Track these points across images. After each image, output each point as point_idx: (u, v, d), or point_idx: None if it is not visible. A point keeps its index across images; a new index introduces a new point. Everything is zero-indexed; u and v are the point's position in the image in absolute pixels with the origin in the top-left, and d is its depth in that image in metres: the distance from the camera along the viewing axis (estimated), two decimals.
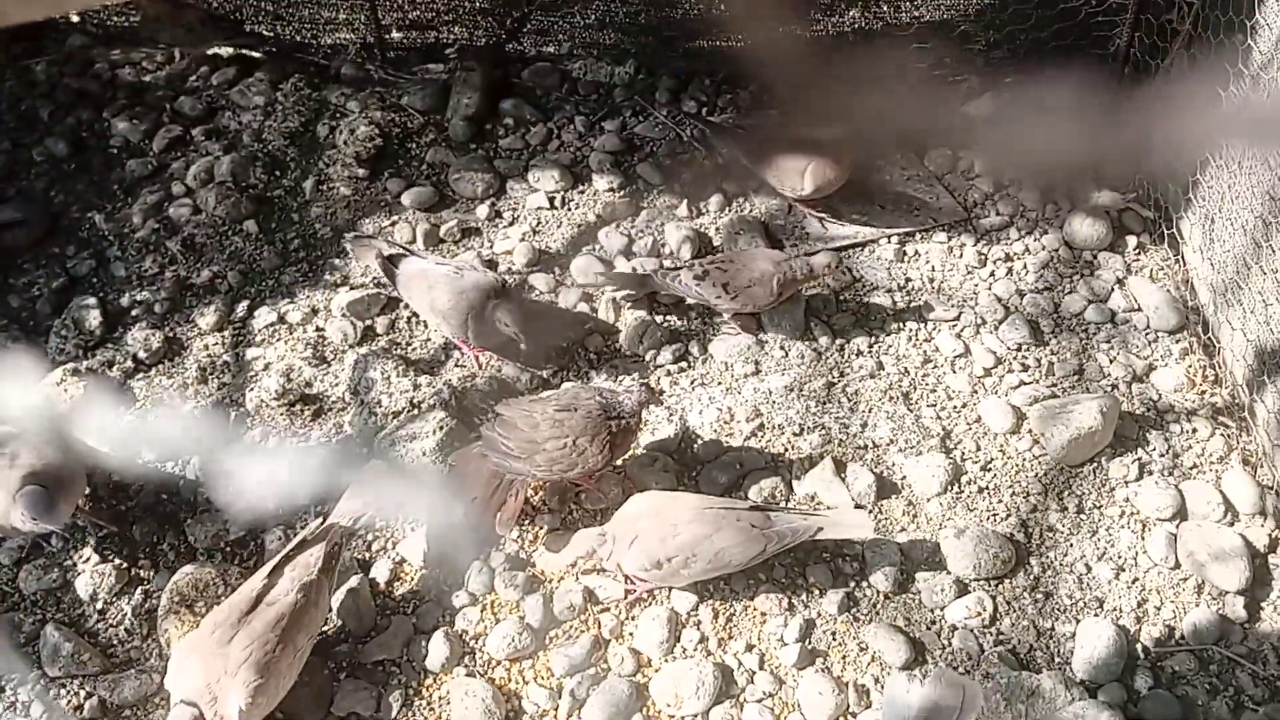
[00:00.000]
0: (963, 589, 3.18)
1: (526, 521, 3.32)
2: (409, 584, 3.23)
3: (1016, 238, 4.12)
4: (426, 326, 3.84)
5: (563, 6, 4.66)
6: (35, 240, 4.14)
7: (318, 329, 3.85)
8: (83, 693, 3.02)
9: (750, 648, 3.08)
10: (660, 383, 3.69)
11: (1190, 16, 3.73)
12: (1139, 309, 3.88)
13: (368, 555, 3.30)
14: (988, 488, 3.41)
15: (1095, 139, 3.94)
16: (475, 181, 4.27)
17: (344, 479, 3.30)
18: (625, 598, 3.16)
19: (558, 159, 4.37)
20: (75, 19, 4.87)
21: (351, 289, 3.95)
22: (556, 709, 2.99)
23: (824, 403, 3.60)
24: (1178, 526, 3.30)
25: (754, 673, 3.04)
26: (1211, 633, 3.10)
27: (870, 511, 3.31)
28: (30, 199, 4.26)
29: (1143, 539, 3.30)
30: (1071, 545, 3.29)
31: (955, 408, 3.61)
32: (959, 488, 3.40)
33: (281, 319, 3.88)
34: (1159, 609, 3.18)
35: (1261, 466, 3.42)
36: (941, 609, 3.15)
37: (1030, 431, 3.51)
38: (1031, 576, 3.22)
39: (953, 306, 3.88)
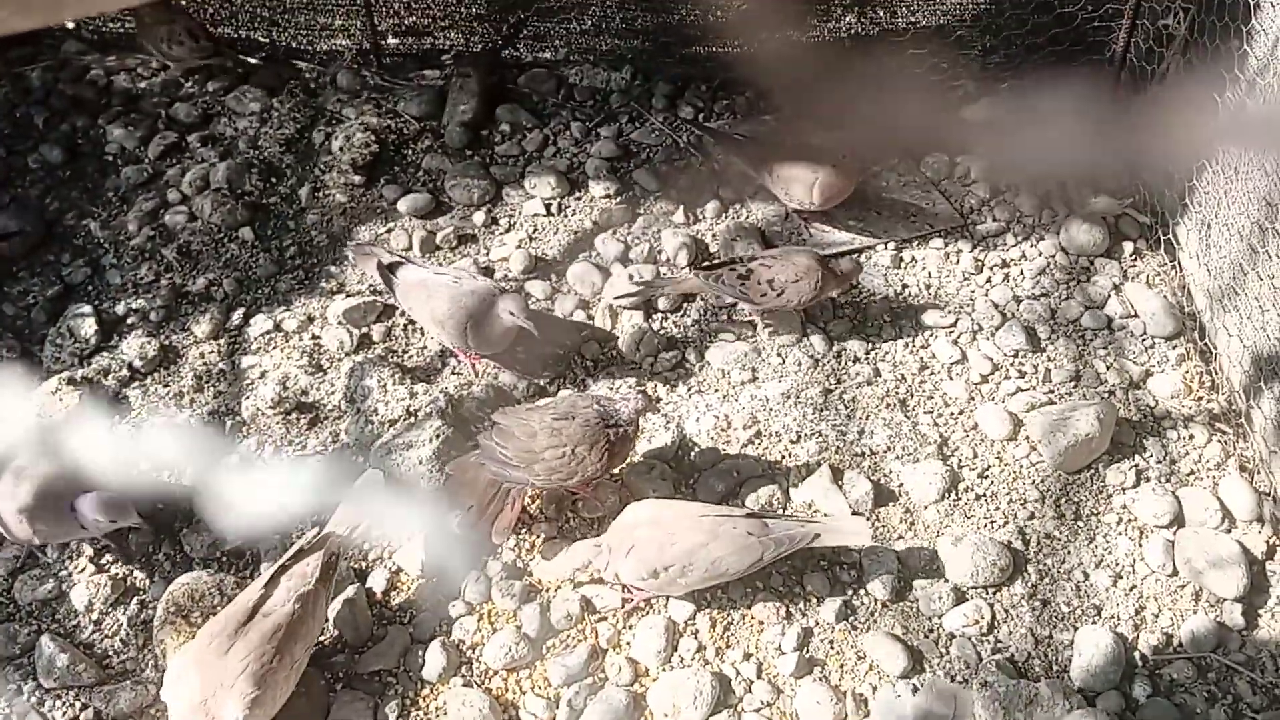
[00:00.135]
0: (960, 597, 3.18)
1: (523, 530, 3.31)
2: (406, 593, 3.22)
3: (1013, 244, 4.12)
4: (423, 334, 3.83)
5: (559, 12, 4.66)
6: (30, 248, 4.13)
7: (314, 337, 3.84)
8: (78, 704, 3.01)
9: (748, 656, 3.08)
10: (657, 390, 3.68)
11: (1186, 22, 3.73)
12: (1136, 315, 3.88)
13: (364, 565, 3.29)
14: (985, 495, 3.41)
15: (1092, 145, 3.94)
16: (471, 188, 4.26)
17: (340, 488, 3.30)
18: (622, 607, 3.15)
19: (554, 165, 4.37)
20: (71, 26, 4.87)
21: (348, 296, 3.94)
22: (554, 719, 2.98)
23: (821, 410, 3.60)
24: (1175, 533, 3.30)
25: (752, 682, 3.04)
26: (1209, 640, 3.10)
27: (868, 519, 3.31)
28: (25, 206, 4.25)
29: (1140, 546, 3.30)
30: (1069, 552, 3.29)
31: (952, 414, 3.61)
32: (956, 495, 3.40)
33: (277, 327, 3.87)
34: (1157, 616, 3.17)
35: (1258, 473, 3.42)
36: (939, 617, 3.15)
37: (1027, 438, 3.51)
38: (1029, 584, 3.22)
39: (950, 313, 3.88)
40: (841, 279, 3.75)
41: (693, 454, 3.51)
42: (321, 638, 3.07)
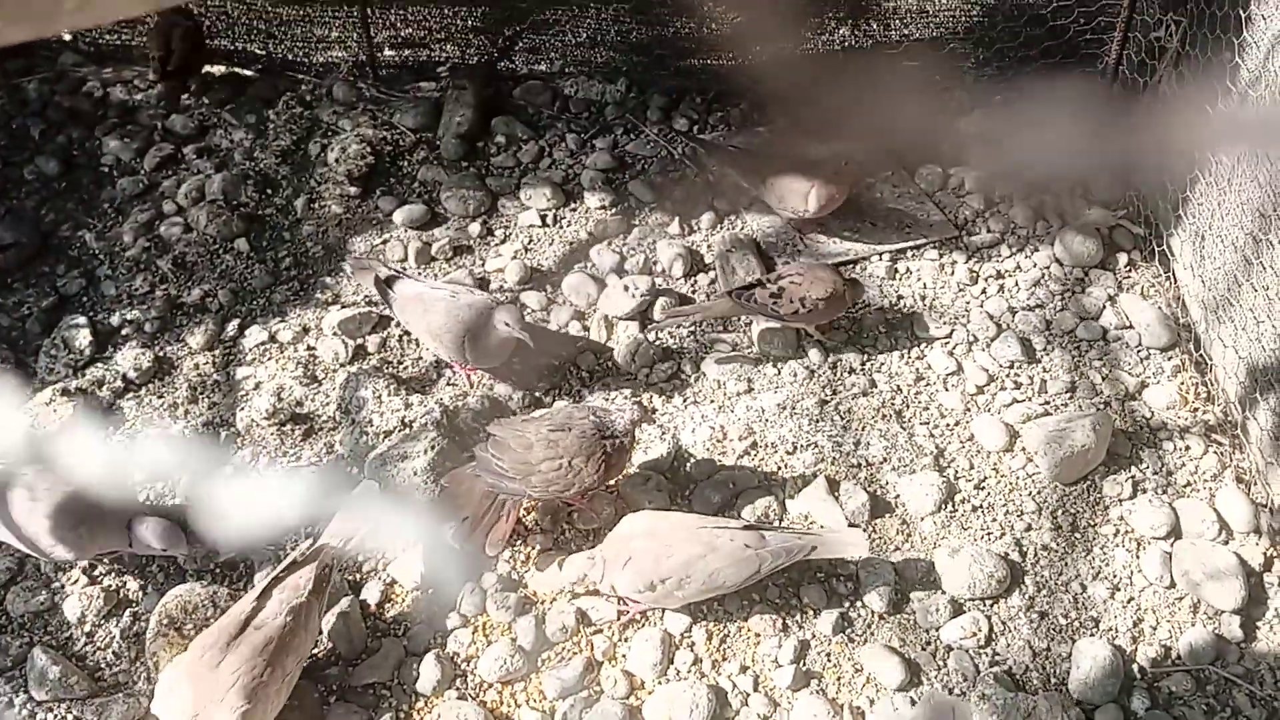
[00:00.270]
0: (958, 609, 3.17)
1: (518, 542, 3.30)
2: (400, 606, 3.20)
3: (1008, 255, 4.12)
4: (418, 345, 3.83)
5: (554, 25, 4.67)
6: (25, 259, 4.12)
7: (309, 348, 3.84)
8: (70, 717, 2.99)
9: (744, 669, 3.06)
10: (653, 401, 3.67)
11: (1179, 34, 3.76)
12: (1131, 326, 3.88)
13: (358, 577, 3.27)
14: (981, 506, 3.40)
15: (1085, 156, 3.95)
16: (467, 199, 4.26)
17: (335, 499, 3.28)
18: (618, 619, 3.14)
19: (549, 176, 4.37)
20: (67, 38, 4.87)
21: (343, 308, 3.93)
22: None
23: (817, 421, 3.59)
24: (1172, 545, 3.29)
25: (748, 695, 3.02)
26: (1208, 653, 3.09)
27: (864, 530, 3.30)
28: (21, 217, 4.24)
29: (1137, 558, 3.29)
30: (1066, 564, 3.28)
31: (948, 426, 3.60)
32: (953, 506, 3.39)
33: (272, 338, 3.86)
34: (1155, 629, 3.16)
35: (1255, 484, 3.41)
36: (937, 629, 3.14)
37: (1023, 450, 3.51)
38: (1026, 596, 3.21)
39: (945, 324, 3.88)
40: (859, 291, 3.77)
41: (688, 465, 3.50)
42: (315, 650, 3.05)
